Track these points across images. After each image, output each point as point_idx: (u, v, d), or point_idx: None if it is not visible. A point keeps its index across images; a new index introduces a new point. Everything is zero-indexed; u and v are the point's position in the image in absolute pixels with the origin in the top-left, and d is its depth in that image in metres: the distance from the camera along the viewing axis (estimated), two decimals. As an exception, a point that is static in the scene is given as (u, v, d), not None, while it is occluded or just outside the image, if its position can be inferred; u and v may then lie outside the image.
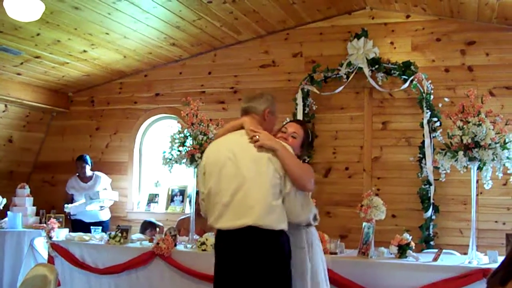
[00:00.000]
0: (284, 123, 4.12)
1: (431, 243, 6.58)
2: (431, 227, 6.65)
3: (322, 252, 3.92)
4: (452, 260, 4.75)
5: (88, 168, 7.95)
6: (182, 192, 8.17)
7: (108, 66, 8.11)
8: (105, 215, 7.90)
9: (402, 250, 4.65)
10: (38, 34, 6.59)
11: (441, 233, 6.76)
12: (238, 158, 3.47)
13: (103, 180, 7.99)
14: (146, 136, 8.70)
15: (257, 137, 3.49)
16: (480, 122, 4.39)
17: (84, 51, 7.33)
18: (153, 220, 7.06)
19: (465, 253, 4.78)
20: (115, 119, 8.72)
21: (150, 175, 8.66)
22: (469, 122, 4.43)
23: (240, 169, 3.43)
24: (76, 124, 8.95)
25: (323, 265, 3.86)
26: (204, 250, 5.00)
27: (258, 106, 3.66)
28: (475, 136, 4.38)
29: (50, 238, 5.71)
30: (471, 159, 4.45)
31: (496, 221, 6.61)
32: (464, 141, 4.40)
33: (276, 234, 3.35)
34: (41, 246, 6.75)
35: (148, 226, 6.80)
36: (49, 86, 8.50)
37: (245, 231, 3.36)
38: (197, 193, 5.67)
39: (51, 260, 5.61)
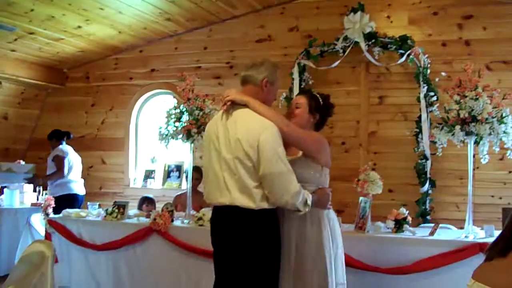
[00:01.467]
0: None
1: (428, 217, 6.61)
2: (427, 201, 6.67)
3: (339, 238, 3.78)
4: (448, 234, 4.78)
5: (53, 144, 7.69)
6: (179, 168, 8.15)
7: (103, 42, 8.04)
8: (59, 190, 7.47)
9: (399, 224, 4.67)
10: (32, 10, 6.51)
11: (437, 208, 6.78)
12: (219, 138, 3.46)
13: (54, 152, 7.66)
14: (142, 112, 8.67)
15: (227, 96, 3.48)
16: (477, 97, 4.37)
17: (79, 26, 7.26)
18: (151, 195, 7.07)
19: (462, 228, 4.79)
20: (111, 95, 8.68)
21: (146, 151, 8.65)
22: (466, 97, 4.40)
23: (221, 149, 3.43)
24: (71, 101, 8.90)
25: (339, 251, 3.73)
26: (201, 225, 5.02)
27: (256, 75, 3.50)
28: (472, 110, 4.36)
29: (47, 214, 5.71)
30: (468, 133, 4.43)
31: (492, 196, 6.62)
32: (461, 116, 4.38)
33: (257, 213, 3.33)
34: (38, 223, 6.76)
35: (144, 201, 6.82)
36: (44, 63, 8.44)
37: (228, 208, 3.40)
38: (194, 168, 5.69)
39: (48, 236, 5.62)
